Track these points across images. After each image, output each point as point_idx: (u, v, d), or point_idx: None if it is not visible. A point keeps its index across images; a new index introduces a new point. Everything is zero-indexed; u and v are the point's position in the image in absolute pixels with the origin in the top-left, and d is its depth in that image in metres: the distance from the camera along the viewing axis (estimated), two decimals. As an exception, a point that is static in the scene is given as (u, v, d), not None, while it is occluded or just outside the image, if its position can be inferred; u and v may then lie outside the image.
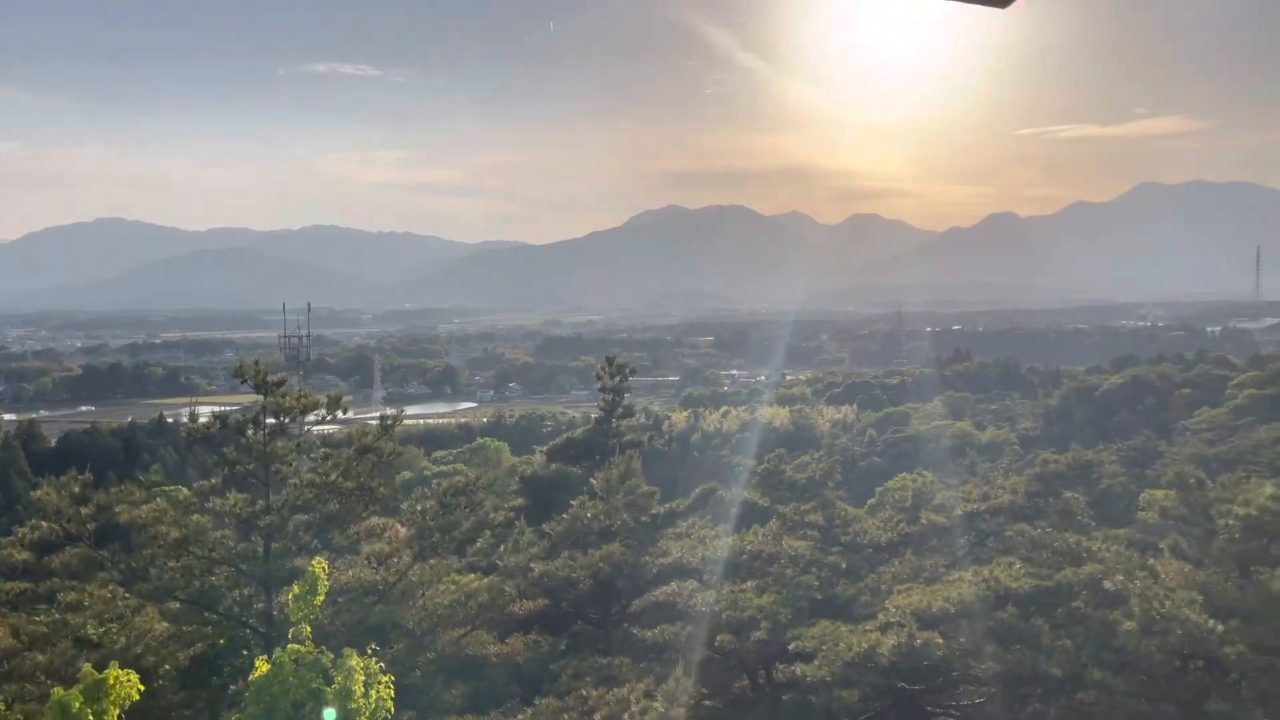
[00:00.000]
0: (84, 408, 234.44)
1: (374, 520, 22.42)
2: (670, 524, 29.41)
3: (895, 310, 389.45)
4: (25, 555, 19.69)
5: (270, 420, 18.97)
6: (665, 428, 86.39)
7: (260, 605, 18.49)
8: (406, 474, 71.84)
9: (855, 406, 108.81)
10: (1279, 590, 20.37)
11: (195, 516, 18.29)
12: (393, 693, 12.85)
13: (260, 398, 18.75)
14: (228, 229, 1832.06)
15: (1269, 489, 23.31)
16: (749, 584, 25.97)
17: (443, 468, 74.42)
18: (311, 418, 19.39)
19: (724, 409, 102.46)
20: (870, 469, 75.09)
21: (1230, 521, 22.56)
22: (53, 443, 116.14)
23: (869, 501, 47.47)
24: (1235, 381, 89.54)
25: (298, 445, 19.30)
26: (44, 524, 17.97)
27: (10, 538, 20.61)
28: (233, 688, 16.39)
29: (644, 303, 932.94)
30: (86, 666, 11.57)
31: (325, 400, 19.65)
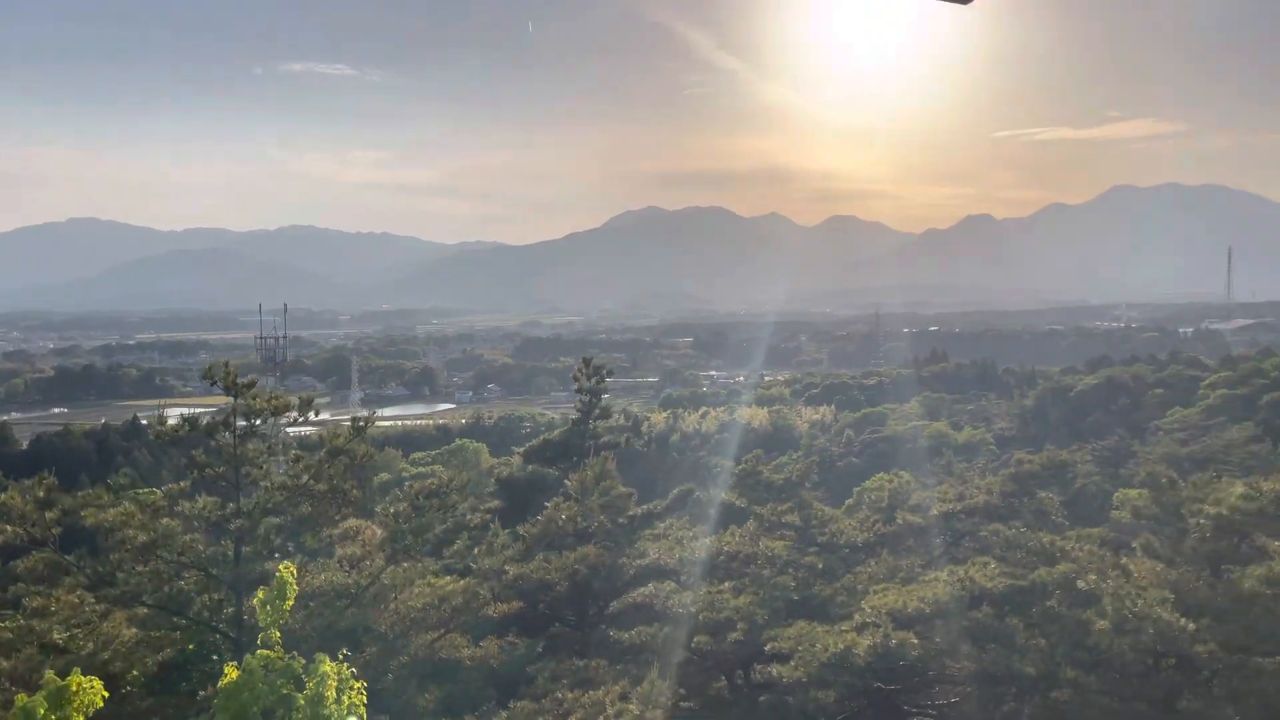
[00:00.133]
0: (57, 410, 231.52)
1: (352, 522, 22.21)
2: (648, 525, 29.33)
3: (873, 311, 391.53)
4: (-11, 561, 19.37)
5: (241, 422, 18.73)
6: (644, 429, 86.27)
7: (230, 610, 18.25)
8: (384, 476, 71.39)
9: (833, 407, 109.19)
10: (1249, 589, 20.57)
11: (165, 520, 18.03)
12: (365, 698, 12.67)
13: (231, 399, 18.53)
14: (203, 229, 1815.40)
15: (1239, 488, 23.54)
16: (726, 585, 25.97)
17: (421, 469, 74.01)
18: (284, 420, 19.18)
19: (703, 410, 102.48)
20: (848, 469, 75.38)
21: (1201, 521, 22.76)
22: (24, 445, 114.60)
23: (847, 502, 47.64)
24: (1207, 382, 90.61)
25: (269, 448, 19.07)
26: (8, 528, 17.64)
27: (-26, 543, 20.25)
28: (201, 694, 16.16)
29: (623, 304, 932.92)
30: (49, 673, 11.34)
31: (297, 402, 19.43)
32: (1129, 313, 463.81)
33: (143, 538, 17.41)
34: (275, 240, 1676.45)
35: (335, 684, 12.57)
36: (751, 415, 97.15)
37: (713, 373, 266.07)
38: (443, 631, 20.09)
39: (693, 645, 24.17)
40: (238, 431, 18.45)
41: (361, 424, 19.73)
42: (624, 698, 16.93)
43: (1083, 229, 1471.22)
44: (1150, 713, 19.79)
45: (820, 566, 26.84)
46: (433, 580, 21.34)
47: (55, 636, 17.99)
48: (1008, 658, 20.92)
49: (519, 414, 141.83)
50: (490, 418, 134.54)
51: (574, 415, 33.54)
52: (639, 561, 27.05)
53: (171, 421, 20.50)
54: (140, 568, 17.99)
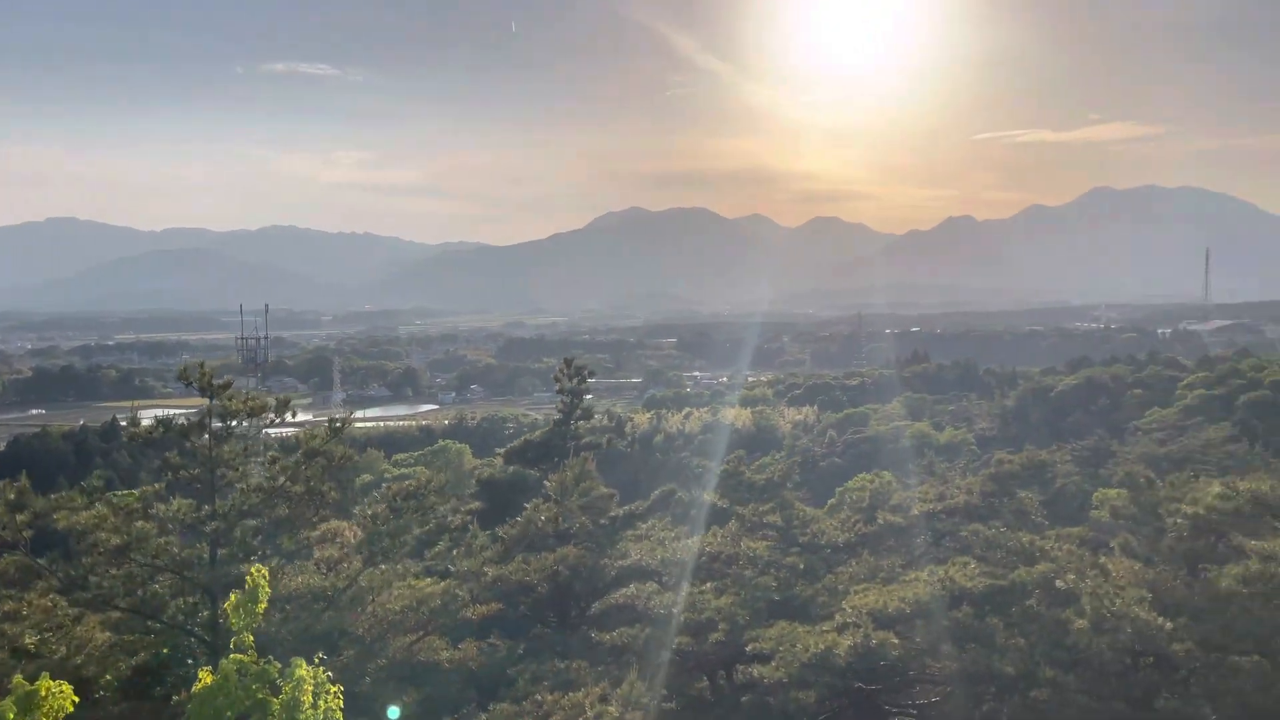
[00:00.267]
0: (35, 411, 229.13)
1: (333, 524, 22.04)
2: (630, 526, 29.28)
3: (856, 312, 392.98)
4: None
5: (217, 424, 18.52)
6: (628, 429, 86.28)
7: (206, 613, 18.04)
8: (366, 477, 71.02)
9: (816, 408, 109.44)
10: (1226, 588, 20.71)
11: (139, 523, 17.80)
12: (342, 702, 12.55)
13: (206, 401, 18.32)
14: (184, 229, 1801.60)
15: (1216, 488, 23.73)
16: (708, 585, 25.94)
17: (403, 470, 73.65)
18: (263, 421, 18.98)
19: (686, 410, 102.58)
20: (830, 469, 75.55)
21: (1179, 520, 22.92)
22: (1, 447, 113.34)
23: (829, 502, 47.72)
24: (1185, 382, 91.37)
25: (245, 449, 18.87)
26: (-21, 531, 17.39)
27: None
28: (175, 698, 15.97)
29: (607, 304, 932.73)
30: (17, 678, 11.17)
31: (274, 403, 19.25)
32: (1108, 313, 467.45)
33: (116, 540, 17.18)
34: (257, 240, 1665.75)
35: (311, 688, 12.44)
36: (735, 416, 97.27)
37: (696, 373, 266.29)
38: (421, 634, 19.95)
39: (674, 646, 24.12)
40: (213, 433, 18.25)
41: (338, 425, 19.55)
42: (604, 699, 16.86)
43: (1063, 230, 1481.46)
44: (1128, 711, 19.89)
45: (802, 567, 26.85)
46: (413, 582, 21.19)
47: (27, 641, 17.73)
48: (987, 657, 20.98)
49: (502, 415, 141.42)
50: (473, 419, 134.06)
51: (556, 416, 33.42)
52: (621, 562, 26.98)
53: (146, 423, 20.22)
54: (113, 571, 17.76)
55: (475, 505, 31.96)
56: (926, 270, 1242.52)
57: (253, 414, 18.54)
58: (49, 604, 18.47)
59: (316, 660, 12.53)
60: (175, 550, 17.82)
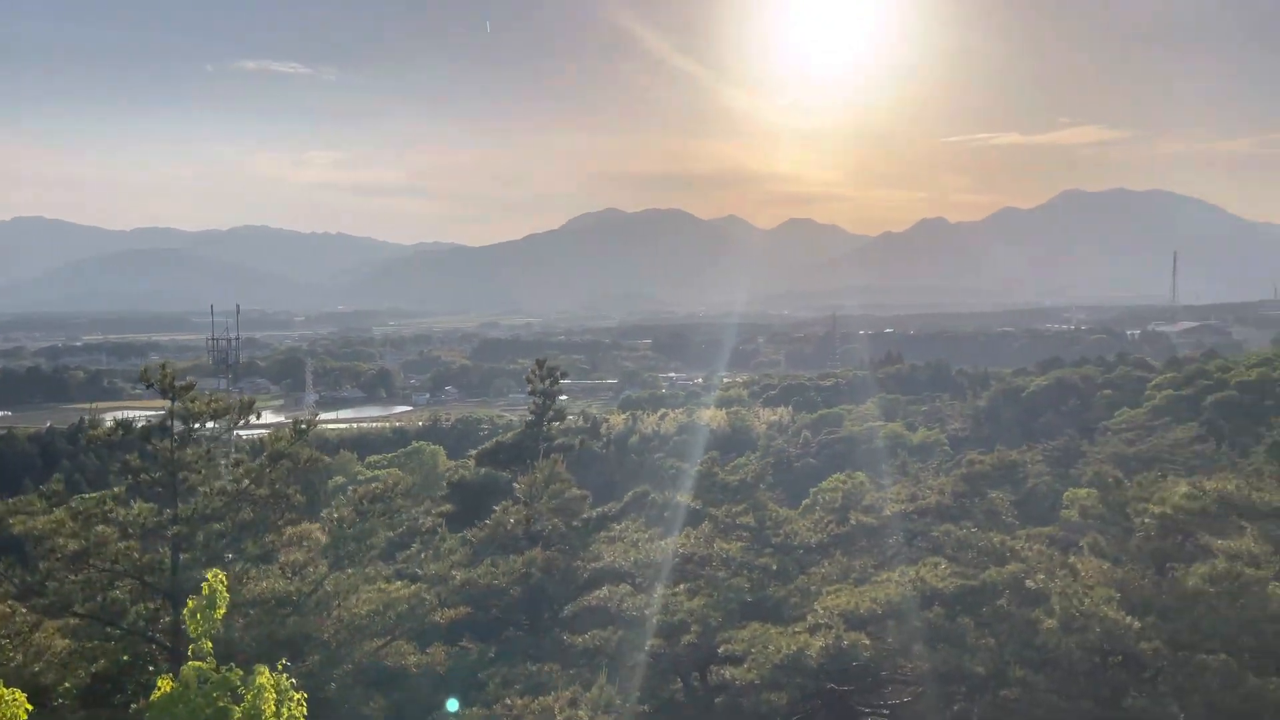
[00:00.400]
0: (0, 413, 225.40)
1: (305, 526, 21.71)
2: (603, 528, 29.13)
3: (830, 313, 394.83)
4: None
5: (180, 426, 18.16)
6: (603, 430, 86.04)
7: (167, 619, 17.68)
8: (340, 479, 70.41)
9: (791, 408, 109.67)
10: (1193, 587, 20.87)
11: (100, 528, 17.43)
12: (305, 710, 12.32)
13: (169, 403, 17.96)
14: (154, 229, 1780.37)
15: (1183, 488, 23.94)
16: (681, 587, 25.86)
17: (376, 472, 73.04)
18: (225, 422, 18.63)
19: (662, 411, 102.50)
20: (805, 470, 75.74)
21: (1147, 520, 23.09)
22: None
23: (804, 502, 47.81)
24: (1153, 383, 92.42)
25: (208, 452, 18.53)
26: (-68, 537, 16.94)
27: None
28: (134, 706, 15.64)
29: (582, 305, 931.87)
30: (-32, 688, 10.86)
31: (237, 405, 18.91)
32: (1078, 315, 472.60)
33: (74, 545, 16.80)
34: (228, 240, 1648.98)
35: (274, 695, 12.22)
36: (710, 417, 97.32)
37: (671, 374, 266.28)
38: (388, 639, 19.69)
39: (648, 648, 24.01)
40: (175, 435, 17.89)
41: (304, 427, 19.25)
42: (573, 703, 16.72)
43: (1034, 232, 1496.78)
44: (1097, 710, 20.00)
45: (774, 568, 26.84)
46: (383, 585, 20.92)
47: (-17, 648, 17.32)
48: (958, 657, 21.05)
49: (477, 416, 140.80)
50: (448, 420, 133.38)
51: (529, 418, 33.21)
52: (594, 564, 26.85)
53: (105, 425, 19.81)
54: (72, 577, 17.37)
55: (446, 508, 31.68)
56: (900, 271, 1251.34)
57: (216, 416, 18.20)
58: (6, 610, 18.04)
59: (280, 666, 12.29)
60: (136, 555, 17.45)
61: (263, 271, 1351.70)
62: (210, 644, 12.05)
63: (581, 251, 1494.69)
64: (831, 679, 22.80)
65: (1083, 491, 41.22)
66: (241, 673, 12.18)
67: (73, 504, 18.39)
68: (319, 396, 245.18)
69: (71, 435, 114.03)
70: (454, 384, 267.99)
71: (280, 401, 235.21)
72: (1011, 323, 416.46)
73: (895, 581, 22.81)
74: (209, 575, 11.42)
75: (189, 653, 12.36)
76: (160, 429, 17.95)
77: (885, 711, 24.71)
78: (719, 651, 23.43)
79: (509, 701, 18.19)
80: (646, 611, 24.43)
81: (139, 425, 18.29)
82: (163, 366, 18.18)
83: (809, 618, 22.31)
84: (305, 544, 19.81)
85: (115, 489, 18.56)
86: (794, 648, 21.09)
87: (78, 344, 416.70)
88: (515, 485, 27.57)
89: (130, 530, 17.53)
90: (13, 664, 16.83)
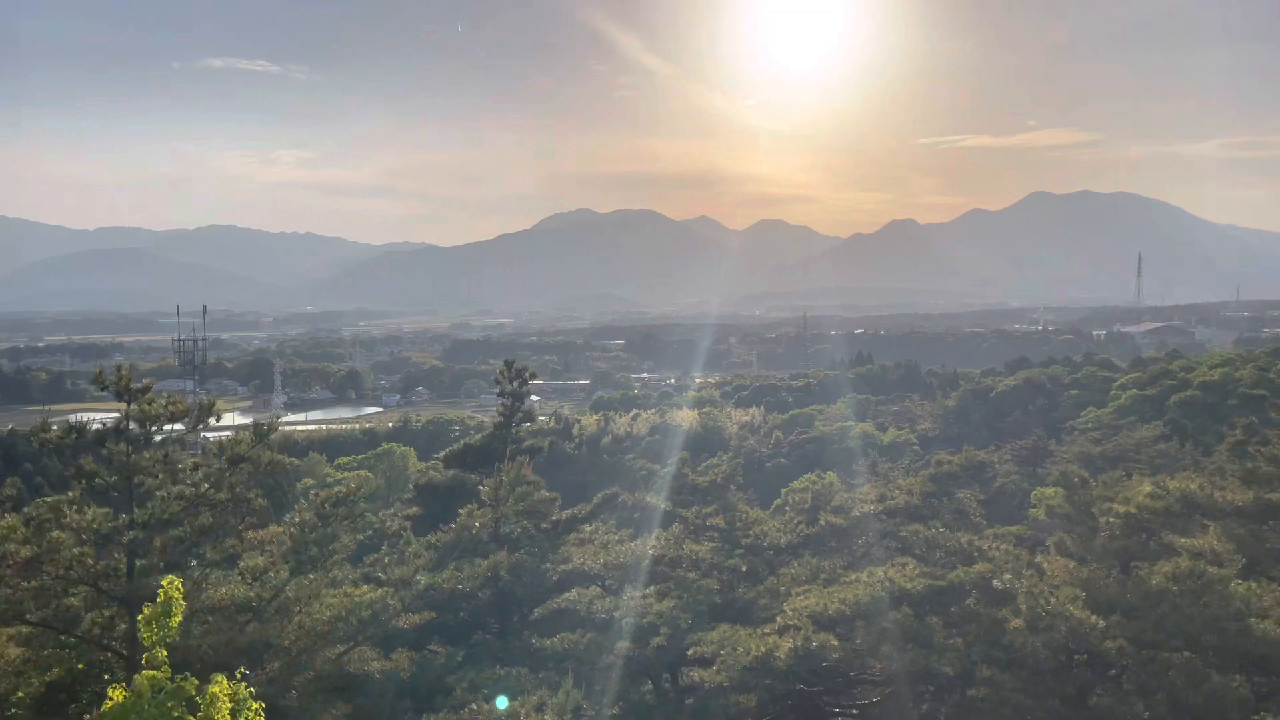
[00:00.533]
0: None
1: (270, 530, 21.34)
2: (572, 530, 28.93)
3: (802, 314, 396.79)
4: None
5: (136, 429, 17.74)
6: (575, 431, 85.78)
7: (123, 627, 17.27)
8: (309, 481, 69.61)
9: (762, 409, 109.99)
10: (1157, 585, 21.04)
11: (54, 533, 16.99)
12: (263, 719, 12.04)
13: (124, 405, 17.54)
14: (119, 228, 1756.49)
15: (1147, 487, 24.14)
16: (651, 589, 25.75)
17: (346, 474, 72.28)
18: (182, 425, 18.25)
19: (634, 412, 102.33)
20: (777, 470, 75.99)
21: (1111, 519, 23.26)
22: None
23: (775, 502, 47.87)
24: (1119, 382, 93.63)
25: (165, 456, 18.13)
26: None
27: None
28: (88, 716, 15.26)
29: (554, 306, 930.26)
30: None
31: (196, 407, 18.53)
32: (1046, 315, 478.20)
33: (26, 552, 16.37)
34: (194, 240, 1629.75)
35: (228, 704, 11.93)
36: (682, 417, 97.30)
37: (644, 375, 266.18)
38: (351, 644, 19.37)
39: (617, 651, 23.87)
40: (131, 439, 17.48)
41: (264, 429, 18.89)
42: (540, 708, 16.54)
43: (1002, 234, 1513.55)
44: (1063, 709, 20.10)
45: (744, 569, 26.79)
46: (350, 590, 20.61)
47: (-68, 658, 16.84)
48: (926, 657, 21.08)
49: (448, 417, 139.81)
50: (418, 421, 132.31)
51: (498, 419, 32.94)
52: (563, 567, 26.67)
53: (55, 429, 19.33)
54: (25, 584, 16.93)
55: (413, 511, 31.35)
56: (870, 272, 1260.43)
57: (173, 418, 17.81)
58: (-42, 619, 17.60)
59: (238, 675, 12.00)
60: (90, 561, 17.04)
61: (230, 272, 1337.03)
62: (165, 652, 11.74)
63: (553, 252, 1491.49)
64: (801, 680, 22.76)
65: (1050, 491, 41.58)
66: (196, 682, 11.88)
67: (26, 509, 17.93)
68: (288, 398, 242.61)
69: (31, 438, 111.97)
70: (425, 385, 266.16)
71: (248, 403, 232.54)
72: (980, 323, 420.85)
73: (864, 582, 22.80)
74: (165, 582, 11.12)
75: (144, 661, 12.04)
76: (116, 432, 17.55)
77: (854, 712, 24.71)
78: (688, 654, 23.35)
79: (474, 706, 17.98)
80: (616, 614, 24.29)
81: (92, 428, 17.86)
82: (118, 368, 17.77)
83: (778, 619, 22.26)
84: (267, 549, 19.45)
85: (70, 493, 18.13)
86: (763, 649, 21.04)
87: (40, 345, 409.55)
88: (481, 488, 27.29)
89: (85, 536, 17.12)
90: (-37, 674, 16.39)
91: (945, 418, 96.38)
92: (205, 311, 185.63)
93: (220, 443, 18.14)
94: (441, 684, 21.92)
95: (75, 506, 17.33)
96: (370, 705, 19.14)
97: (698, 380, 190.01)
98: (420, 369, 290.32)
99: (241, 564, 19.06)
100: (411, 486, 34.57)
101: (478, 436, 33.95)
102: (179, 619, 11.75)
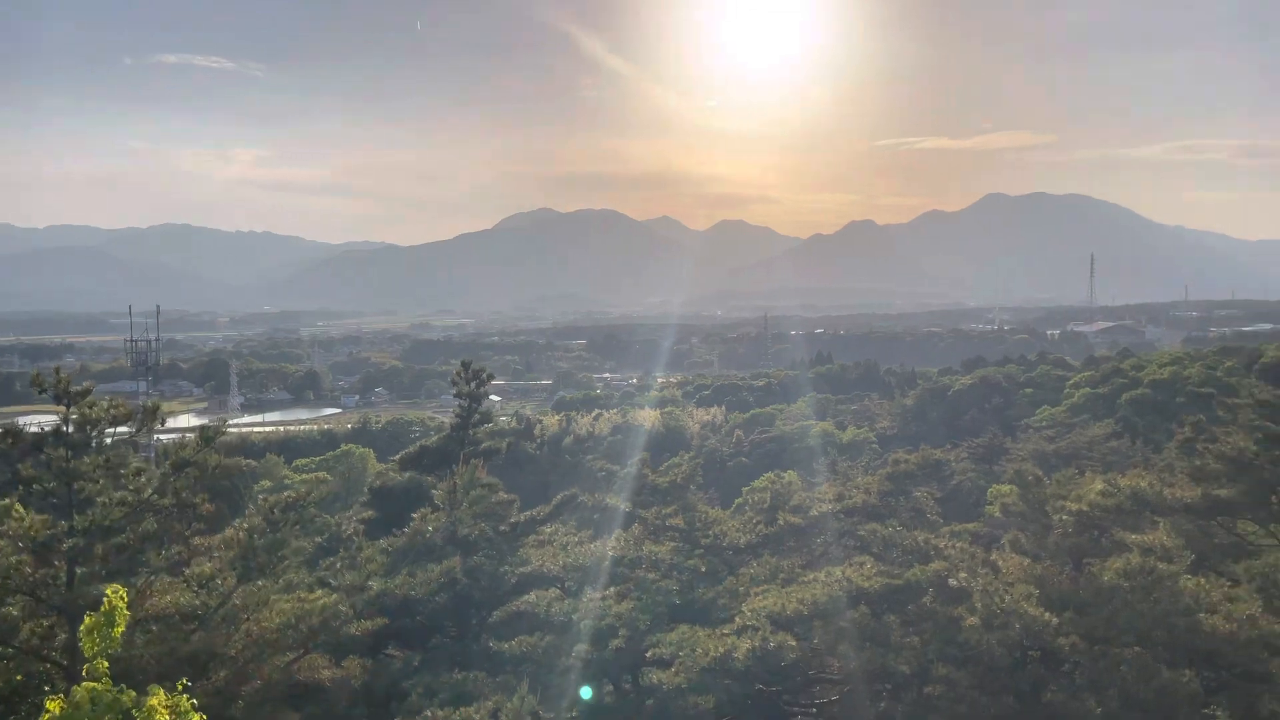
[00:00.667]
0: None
1: (223, 534, 20.86)
2: (531, 531, 28.70)
3: (763, 314, 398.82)
4: None
5: (85, 433, 17.21)
6: (537, 432, 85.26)
7: (63, 637, 16.76)
8: (266, 483, 68.44)
9: (724, 408, 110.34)
10: (1109, 581, 21.33)
11: (-7, 541, 16.42)
12: (207, 730, 11.69)
13: (63, 408, 17.03)
14: (70, 226, 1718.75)
15: (1099, 485, 24.48)
16: (610, 590, 25.60)
17: (304, 476, 71.16)
18: (129, 428, 17.76)
19: (596, 412, 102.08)
20: (738, 469, 76.23)
21: (1064, 516, 23.55)
22: None
23: (736, 501, 47.97)
24: (1072, 381, 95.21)
25: (106, 460, 17.61)
26: None
27: None
28: (25, 731, 14.79)
29: (515, 306, 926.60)
30: None
31: (141, 410, 18.03)
32: (1002, 315, 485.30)
33: (-41, 562, 15.83)
34: (148, 239, 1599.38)
35: (167, 716, 11.59)
36: (644, 417, 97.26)
37: (606, 375, 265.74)
38: (301, 652, 18.98)
39: (575, 653, 23.69)
40: (70, 443, 16.96)
41: (211, 433, 18.43)
42: (495, 714, 16.32)
43: (959, 235, 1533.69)
44: (1017, 705, 20.29)
45: (703, 569, 26.74)
46: (303, 595, 20.21)
47: None
48: (883, 656, 21.18)
49: (408, 418, 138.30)
50: (378, 422, 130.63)
51: (454, 420, 32.58)
52: (521, 569, 26.43)
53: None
54: (-41, 594, 16.37)
55: (368, 514, 30.89)
56: (830, 273, 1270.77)
57: (116, 422, 17.32)
58: (-111, 631, 16.94)
59: (180, 686, 11.65)
60: (29, 570, 16.50)
61: (185, 271, 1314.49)
62: (106, 663, 11.37)
63: (514, 252, 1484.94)
64: (759, 680, 22.75)
65: (1005, 488, 42.05)
66: (135, 694, 11.52)
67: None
68: (244, 399, 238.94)
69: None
70: (384, 386, 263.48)
71: (204, 405, 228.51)
72: (938, 323, 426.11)
73: (822, 581, 22.86)
74: (109, 591, 10.76)
75: (84, 672, 11.65)
76: (54, 436, 17.02)
77: (813, 711, 24.77)
78: (647, 655, 23.25)
79: (429, 713, 17.71)
80: (575, 616, 24.12)
81: (30, 432, 17.30)
82: (56, 370, 17.23)
83: (737, 619, 22.24)
84: (215, 555, 18.99)
85: (6, 500, 17.53)
86: (721, 650, 21.00)
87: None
88: (434, 492, 26.95)
89: (22, 544, 16.57)
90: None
91: (903, 416, 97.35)
92: (159, 311, 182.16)
93: (166, 447, 17.64)
94: (397, 689, 21.61)
95: (12, 513, 16.77)
96: (321, 713, 18.77)
97: (660, 380, 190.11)
98: (380, 369, 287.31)
99: (187, 571, 18.60)
100: (366, 490, 34.08)
101: (434, 438, 33.56)
102: (122, 629, 11.39)
